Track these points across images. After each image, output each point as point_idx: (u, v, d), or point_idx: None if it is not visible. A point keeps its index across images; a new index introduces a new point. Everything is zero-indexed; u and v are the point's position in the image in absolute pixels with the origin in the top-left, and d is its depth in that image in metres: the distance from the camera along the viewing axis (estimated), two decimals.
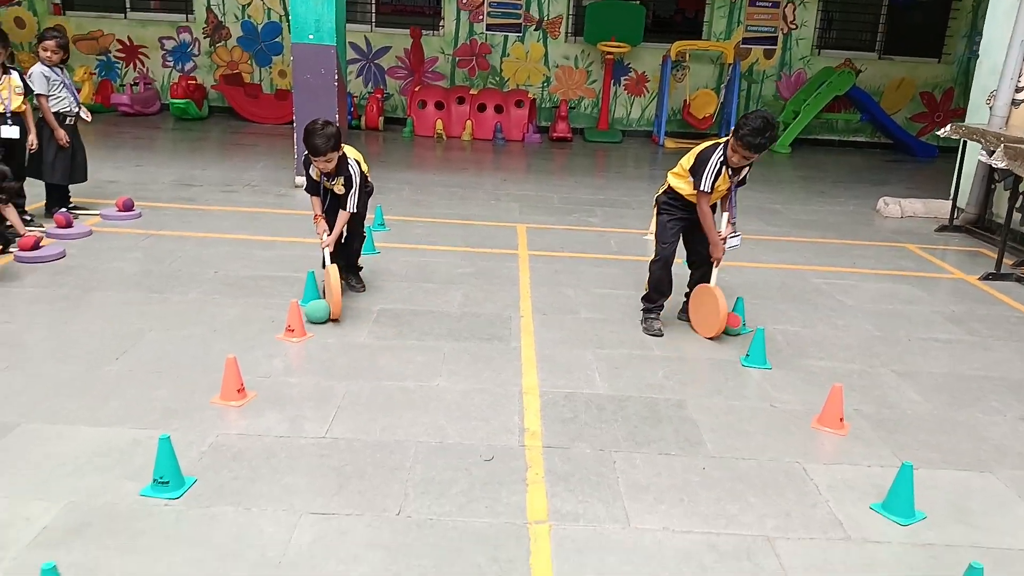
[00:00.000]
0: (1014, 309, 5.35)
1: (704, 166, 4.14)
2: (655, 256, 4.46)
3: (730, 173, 4.21)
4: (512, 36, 12.77)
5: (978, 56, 8.07)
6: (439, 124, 11.79)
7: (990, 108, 7.57)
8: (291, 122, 11.74)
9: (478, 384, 3.74)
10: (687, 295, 4.66)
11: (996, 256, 6.21)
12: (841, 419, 3.45)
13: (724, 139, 4.22)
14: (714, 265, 4.43)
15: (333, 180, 4.53)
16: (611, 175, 9.86)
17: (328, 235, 4.55)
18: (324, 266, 4.50)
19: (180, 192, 7.42)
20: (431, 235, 6.42)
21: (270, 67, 12.91)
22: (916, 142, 12.84)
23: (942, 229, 7.66)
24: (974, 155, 7.52)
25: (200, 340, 4.07)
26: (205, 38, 12.68)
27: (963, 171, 7.86)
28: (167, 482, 2.77)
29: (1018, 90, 7.33)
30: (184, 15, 12.65)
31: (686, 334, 4.52)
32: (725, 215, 4.42)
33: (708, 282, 4.45)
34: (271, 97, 12.52)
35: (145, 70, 12.67)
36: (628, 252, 6.19)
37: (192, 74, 12.70)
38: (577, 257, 5.98)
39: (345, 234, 4.78)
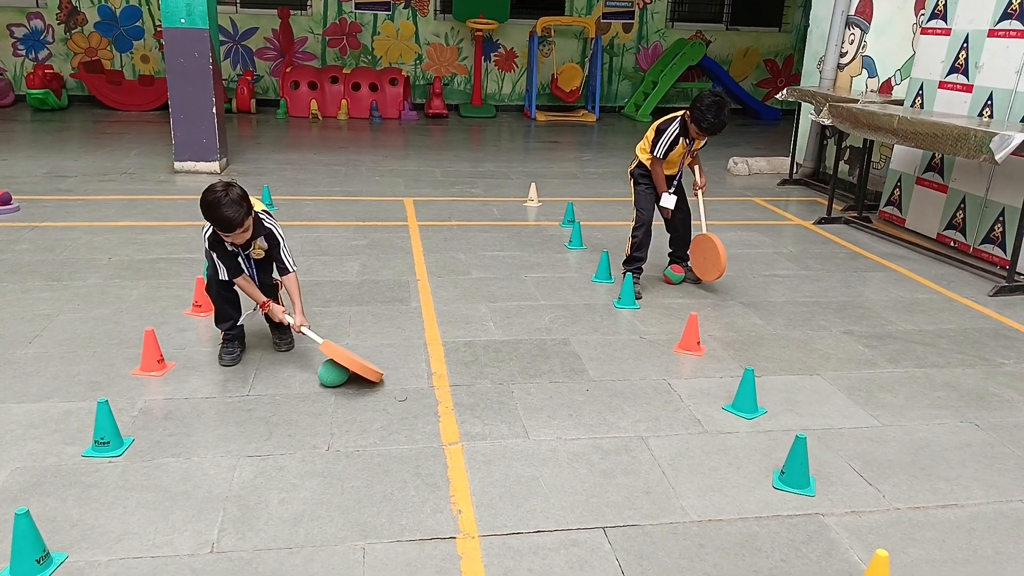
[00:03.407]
0: (842, 247, 6.21)
1: (660, 136, 4.63)
2: (637, 223, 4.83)
3: (688, 143, 4.68)
4: (382, 14, 12.95)
5: (809, 25, 9.01)
6: (313, 104, 11.87)
7: (820, 72, 8.52)
8: (159, 108, 11.60)
9: (385, 340, 4.12)
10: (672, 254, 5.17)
11: (827, 203, 7.11)
12: (698, 343, 4.07)
13: (681, 113, 4.64)
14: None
15: (250, 247, 3.65)
16: (488, 148, 10.32)
17: (293, 316, 3.68)
18: (320, 344, 3.60)
19: (56, 184, 7.29)
20: (320, 212, 6.67)
21: (131, 52, 12.54)
22: (762, 106, 13.99)
23: (783, 183, 8.58)
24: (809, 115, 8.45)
25: (110, 319, 4.23)
26: (59, 24, 12.16)
27: (799, 130, 8.82)
28: (107, 442, 3.01)
29: (842, 55, 8.29)
30: (34, 0, 12.06)
31: (568, 287, 5.04)
32: (696, 168, 4.93)
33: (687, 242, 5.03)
34: (135, 83, 12.18)
35: None
36: (510, 218, 6.68)
37: (48, 62, 12.16)
38: (464, 225, 6.41)
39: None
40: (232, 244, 3.56)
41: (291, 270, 3.71)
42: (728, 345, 4.20)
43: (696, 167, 4.95)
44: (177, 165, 7.87)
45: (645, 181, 4.89)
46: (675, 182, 4.87)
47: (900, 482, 3.00)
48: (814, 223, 6.87)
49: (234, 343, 3.86)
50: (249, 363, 3.81)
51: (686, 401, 3.55)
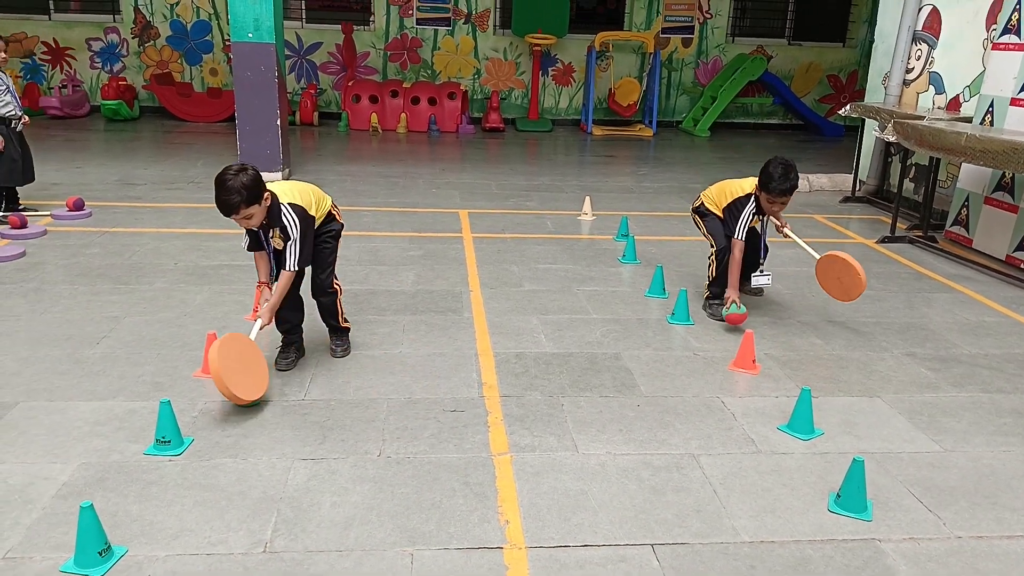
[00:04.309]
0: (905, 267, 6.04)
1: (736, 220, 4.56)
2: (718, 248, 4.72)
3: (761, 218, 4.67)
4: (442, 30, 13.14)
5: (875, 40, 8.82)
6: (374, 117, 12.08)
7: (885, 88, 8.33)
8: (226, 120, 11.97)
9: (437, 349, 4.16)
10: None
11: (891, 222, 6.93)
12: (753, 361, 4.00)
13: (752, 190, 4.56)
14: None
15: (271, 233, 3.67)
16: (543, 162, 10.35)
17: (265, 305, 3.66)
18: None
19: (126, 191, 7.58)
20: (378, 222, 6.78)
21: (200, 65, 12.97)
22: (824, 122, 13.73)
23: (845, 200, 8.40)
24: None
25: (174, 323, 4.37)
26: (134, 38, 12.67)
27: (863, 146, 8.63)
28: (169, 441, 3.11)
29: (908, 71, 8.09)
30: (111, 15, 12.60)
31: (621, 302, 5.02)
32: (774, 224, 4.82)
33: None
34: (203, 96, 12.59)
35: (73, 72, 12.58)
36: (564, 232, 6.69)
37: (122, 75, 12.67)
38: (518, 238, 6.44)
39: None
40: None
41: (288, 268, 3.65)
42: (785, 364, 4.12)
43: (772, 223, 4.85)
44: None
45: (710, 214, 4.83)
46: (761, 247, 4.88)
47: (962, 510, 2.90)
48: (877, 242, 6.70)
49: (290, 348, 3.95)
50: (305, 368, 3.89)
51: (740, 420, 3.50)
